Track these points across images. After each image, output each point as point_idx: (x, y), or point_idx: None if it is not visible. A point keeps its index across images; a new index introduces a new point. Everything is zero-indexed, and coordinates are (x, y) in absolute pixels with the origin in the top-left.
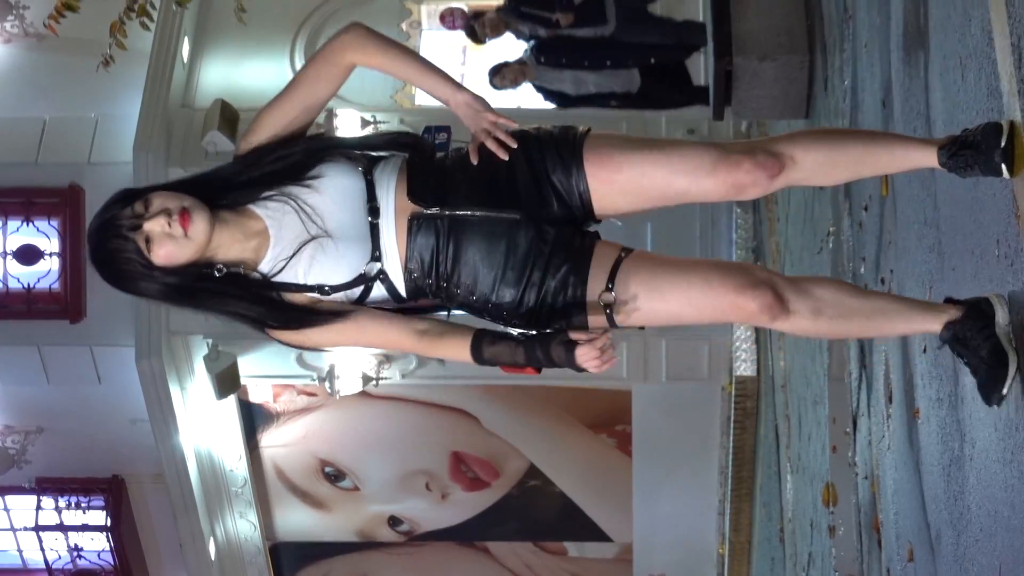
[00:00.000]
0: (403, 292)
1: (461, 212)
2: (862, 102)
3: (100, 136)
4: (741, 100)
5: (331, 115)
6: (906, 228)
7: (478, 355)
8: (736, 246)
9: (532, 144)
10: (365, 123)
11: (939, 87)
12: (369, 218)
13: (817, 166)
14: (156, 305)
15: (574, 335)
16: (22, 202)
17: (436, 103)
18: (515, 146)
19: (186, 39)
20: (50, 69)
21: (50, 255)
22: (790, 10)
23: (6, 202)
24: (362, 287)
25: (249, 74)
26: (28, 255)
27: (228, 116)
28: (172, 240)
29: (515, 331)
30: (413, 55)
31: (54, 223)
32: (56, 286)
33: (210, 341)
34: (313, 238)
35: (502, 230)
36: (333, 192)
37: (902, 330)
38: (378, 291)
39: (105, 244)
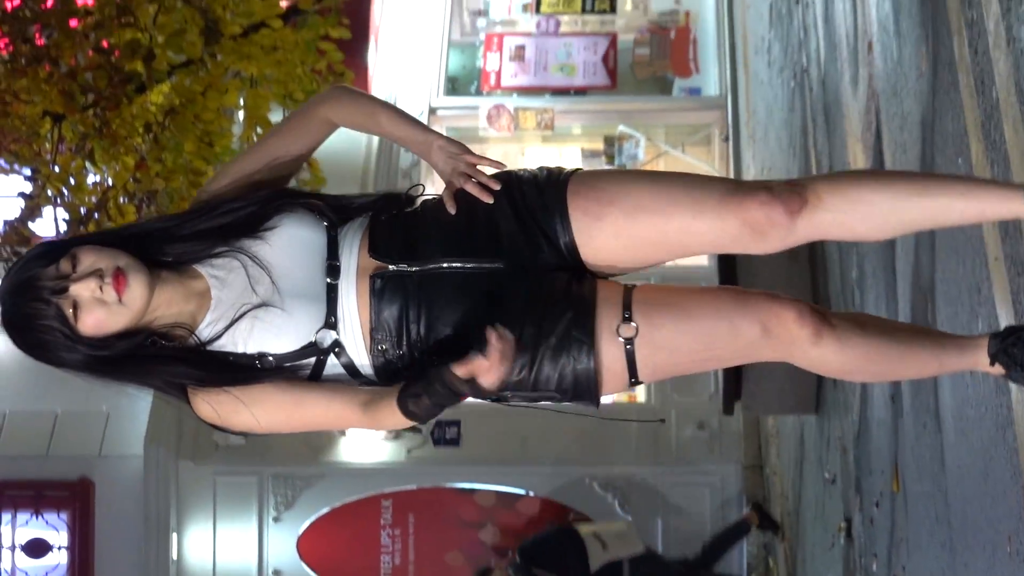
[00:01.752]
0: (366, 369)
1: (432, 265)
2: (871, 397)
3: (111, 429)
4: (751, 394)
5: None
6: (917, 524)
7: (412, 417)
8: (746, 541)
9: (514, 184)
10: None
11: (948, 382)
12: (327, 278)
13: (850, 206)
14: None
15: (478, 367)
16: (32, 495)
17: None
18: (498, 187)
19: None
20: None
21: (59, 548)
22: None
23: (16, 495)
24: (313, 359)
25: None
26: (37, 549)
27: None
28: (103, 307)
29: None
30: (388, 106)
31: (63, 516)
32: None
33: None
34: (258, 305)
35: (483, 283)
36: (287, 244)
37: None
38: (332, 367)
39: (22, 307)
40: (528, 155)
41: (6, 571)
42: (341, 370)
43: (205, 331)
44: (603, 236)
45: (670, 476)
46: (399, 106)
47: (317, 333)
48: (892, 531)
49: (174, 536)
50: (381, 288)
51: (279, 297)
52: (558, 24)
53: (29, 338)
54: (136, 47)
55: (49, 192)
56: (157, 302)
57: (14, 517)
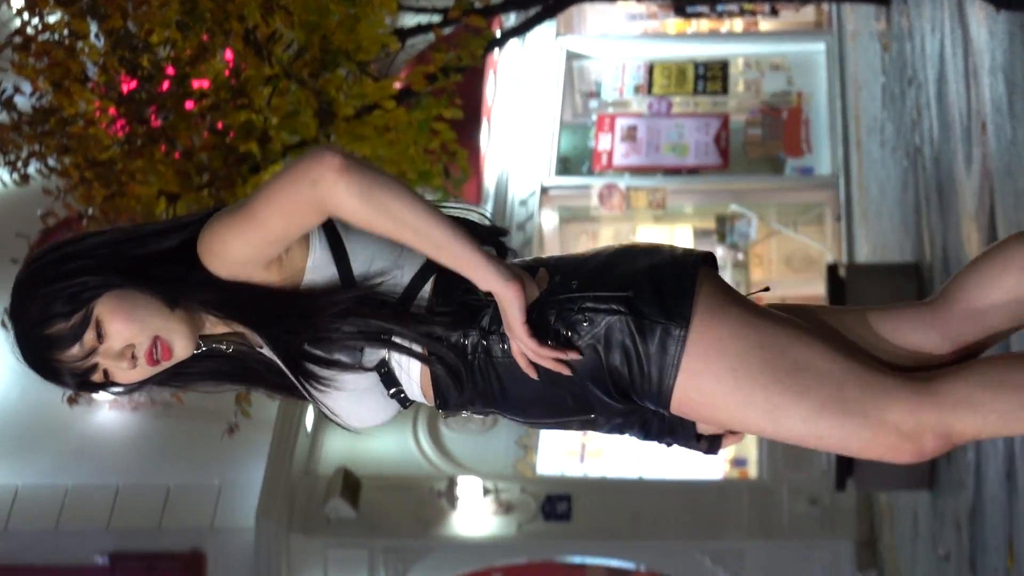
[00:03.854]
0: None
1: (510, 416)
2: (986, 475)
3: (223, 502)
4: (864, 471)
5: (452, 483)
6: None
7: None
8: None
9: (603, 365)
10: (487, 491)
11: None
12: (395, 403)
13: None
14: None
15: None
16: (144, 567)
17: (559, 471)
18: (568, 372)
19: (310, 407)
20: (176, 436)
21: None
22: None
23: (129, 567)
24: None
25: (372, 442)
26: None
27: (350, 484)
28: (138, 371)
29: None
30: (422, 214)
31: None
32: None
33: None
34: (325, 410)
35: (572, 424)
36: (348, 395)
37: None
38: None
39: (47, 376)
40: (639, 234)
41: None
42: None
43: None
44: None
45: (782, 551)
46: (509, 186)
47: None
48: None
49: None
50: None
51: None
52: (670, 105)
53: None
54: (251, 128)
55: None
56: (203, 321)
57: None
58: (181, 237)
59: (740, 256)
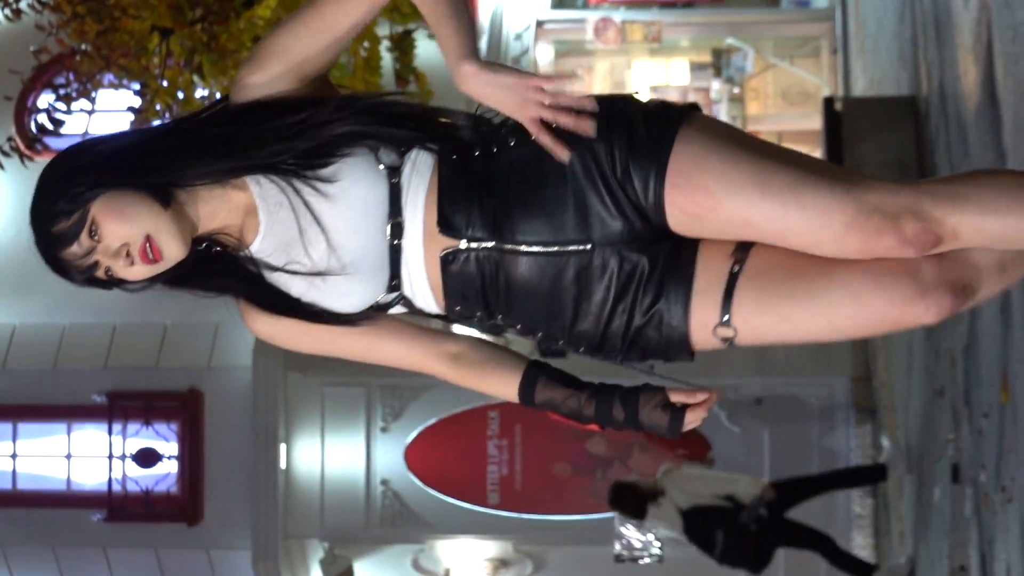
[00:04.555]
0: (434, 311)
1: (511, 246)
2: (980, 309)
3: (220, 341)
4: None
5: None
6: None
7: (528, 398)
8: (853, 453)
9: (601, 141)
10: None
11: None
12: (390, 238)
13: (987, 241)
14: (270, 506)
15: (677, 396)
16: (142, 406)
17: None
18: (591, 132)
19: None
20: None
21: (169, 458)
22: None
23: (126, 406)
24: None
25: None
26: (147, 458)
27: None
28: (137, 269)
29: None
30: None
31: (173, 427)
32: (174, 489)
33: (326, 545)
34: (311, 273)
35: (569, 265)
36: (345, 205)
37: None
38: (396, 309)
39: (59, 272)
40: (635, 68)
41: (117, 480)
42: (403, 309)
43: (258, 256)
44: (702, 231)
45: (777, 388)
46: (504, 20)
47: (382, 295)
48: (1000, 443)
49: (282, 447)
50: (454, 266)
51: (337, 263)
52: None
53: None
54: None
55: (157, 106)
56: (199, 214)
57: (124, 427)
58: (188, 123)
59: (736, 90)
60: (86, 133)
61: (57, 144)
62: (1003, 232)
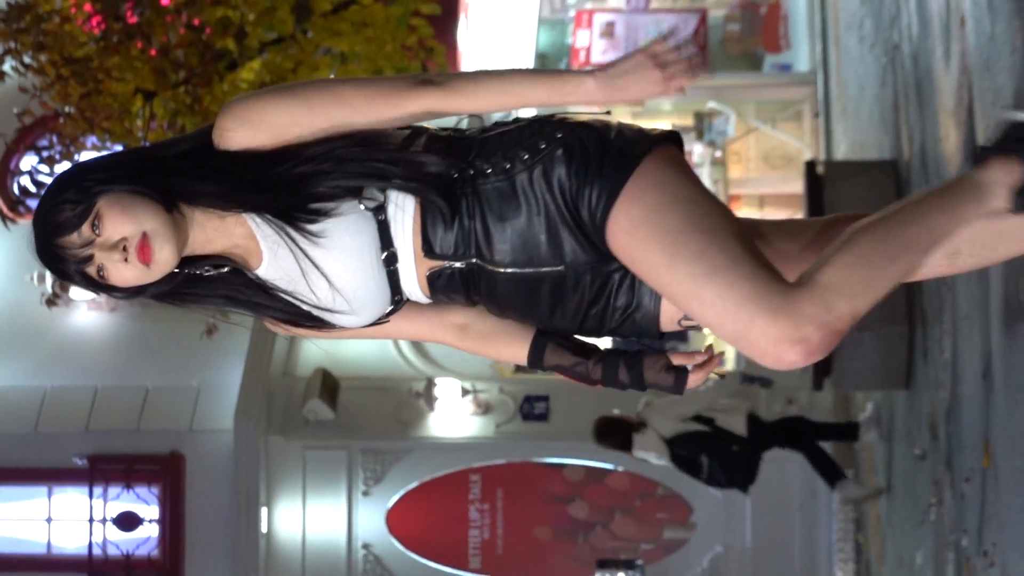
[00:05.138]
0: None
1: (491, 268)
2: (962, 374)
3: (201, 403)
4: (841, 371)
5: (430, 384)
6: (1008, 500)
7: (537, 361)
8: (835, 517)
9: (566, 171)
10: (465, 392)
11: None
12: (386, 266)
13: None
14: (251, 570)
15: (679, 358)
16: (123, 469)
17: (536, 376)
18: (704, 72)
19: None
20: (154, 337)
21: (150, 522)
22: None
23: (107, 469)
24: None
25: (350, 343)
26: (128, 522)
27: (329, 385)
28: (130, 270)
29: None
30: (500, 75)
31: (154, 490)
32: (155, 553)
33: None
34: (319, 308)
35: (544, 281)
36: (340, 253)
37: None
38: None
39: (54, 267)
40: None
41: (97, 544)
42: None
43: (265, 280)
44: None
45: None
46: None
47: (387, 310)
48: (982, 507)
49: (264, 510)
50: (440, 284)
51: (344, 304)
52: (648, 0)
53: (68, 283)
54: (227, 24)
55: None
56: (194, 245)
57: (105, 491)
58: (194, 142)
59: (718, 153)
60: None
61: None
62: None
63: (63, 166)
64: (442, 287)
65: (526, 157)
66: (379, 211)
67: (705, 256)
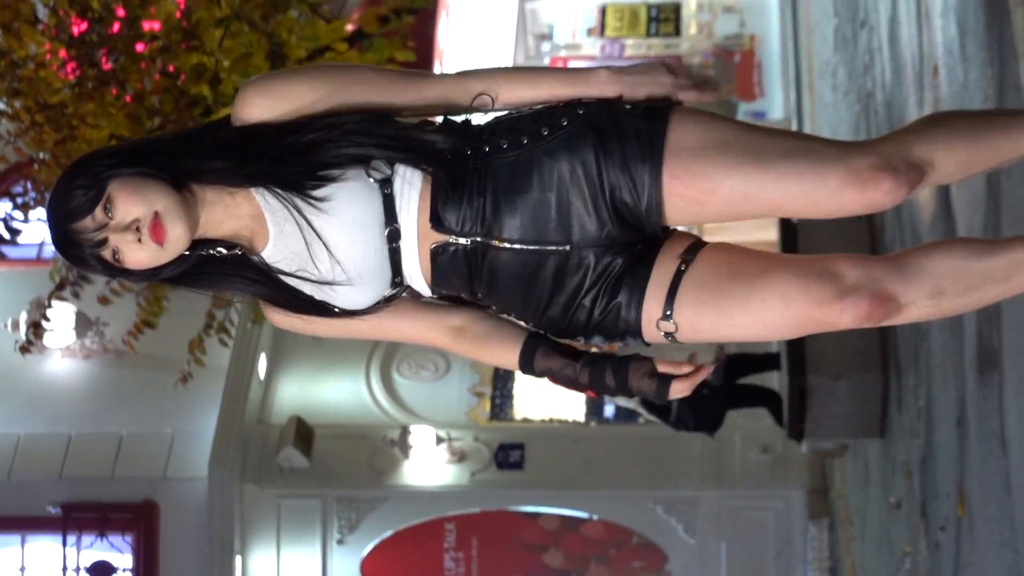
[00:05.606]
0: (426, 294)
1: (495, 241)
2: (936, 422)
3: (176, 451)
4: (816, 419)
5: (405, 432)
6: (983, 549)
7: (528, 367)
8: (811, 566)
9: (590, 146)
10: (440, 440)
11: (1014, 408)
12: (388, 242)
13: (957, 167)
14: None
15: (664, 367)
16: (96, 517)
17: (506, 423)
18: (717, 92)
19: (263, 356)
20: (128, 385)
21: (123, 571)
22: (864, 329)
23: (81, 517)
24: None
25: (325, 391)
26: (101, 571)
27: (303, 433)
28: (144, 251)
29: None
30: (518, 68)
31: (128, 539)
32: None
33: None
34: (319, 282)
35: (549, 262)
36: (344, 223)
37: None
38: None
39: (68, 253)
40: None
41: None
42: (406, 294)
43: (269, 261)
44: (702, 216)
45: (734, 500)
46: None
47: (387, 291)
48: (957, 556)
49: (238, 559)
50: (443, 260)
51: (343, 275)
52: (623, 47)
53: (85, 271)
54: (202, 71)
55: None
56: (208, 219)
57: (79, 539)
58: (201, 128)
59: None
60: (43, 243)
61: (14, 253)
62: (970, 154)
63: (38, 213)
64: (445, 266)
65: (546, 132)
66: (386, 184)
67: (776, 140)
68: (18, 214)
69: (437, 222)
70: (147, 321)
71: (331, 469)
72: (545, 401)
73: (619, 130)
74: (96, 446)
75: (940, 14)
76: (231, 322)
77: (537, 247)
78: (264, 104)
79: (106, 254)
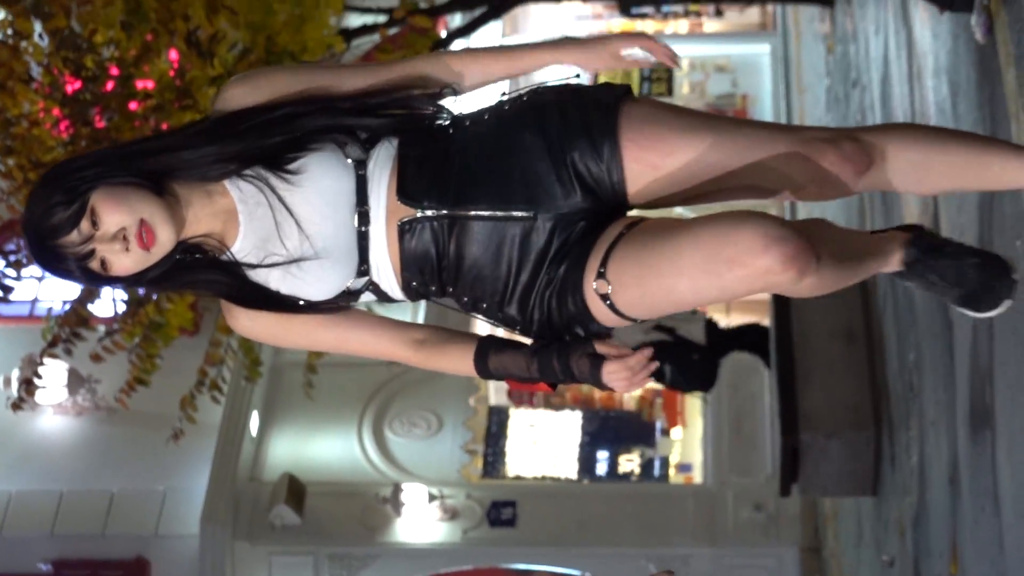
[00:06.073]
0: (398, 296)
1: (462, 212)
2: (929, 480)
3: (168, 508)
4: (808, 476)
5: (397, 489)
6: None
7: (483, 367)
8: None
9: (552, 116)
10: (432, 497)
11: (1007, 466)
12: (357, 226)
13: (911, 167)
14: None
15: (601, 347)
16: (88, 574)
17: (498, 481)
18: (678, 63)
19: (255, 413)
20: (120, 442)
21: None
22: (856, 388)
23: (72, 574)
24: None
25: (317, 448)
26: None
27: (295, 490)
28: (130, 257)
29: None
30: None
31: None
32: None
33: None
34: (287, 262)
35: (512, 232)
36: (315, 195)
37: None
38: (366, 297)
39: (53, 266)
40: None
41: None
42: (372, 297)
43: (238, 256)
44: (657, 184)
45: (726, 558)
46: None
47: (352, 281)
48: None
49: None
50: (411, 235)
51: (310, 250)
52: None
53: (68, 280)
54: None
55: None
56: (184, 218)
57: None
58: (173, 130)
59: None
60: (35, 300)
61: (6, 310)
62: (925, 157)
63: (30, 270)
64: (412, 246)
65: (507, 107)
66: (360, 166)
67: (728, 117)
68: (11, 271)
69: (404, 194)
70: (139, 378)
71: (323, 526)
72: (537, 458)
73: (579, 100)
74: (88, 503)
75: (932, 74)
76: (223, 379)
77: (503, 214)
78: (245, 90)
79: (94, 265)
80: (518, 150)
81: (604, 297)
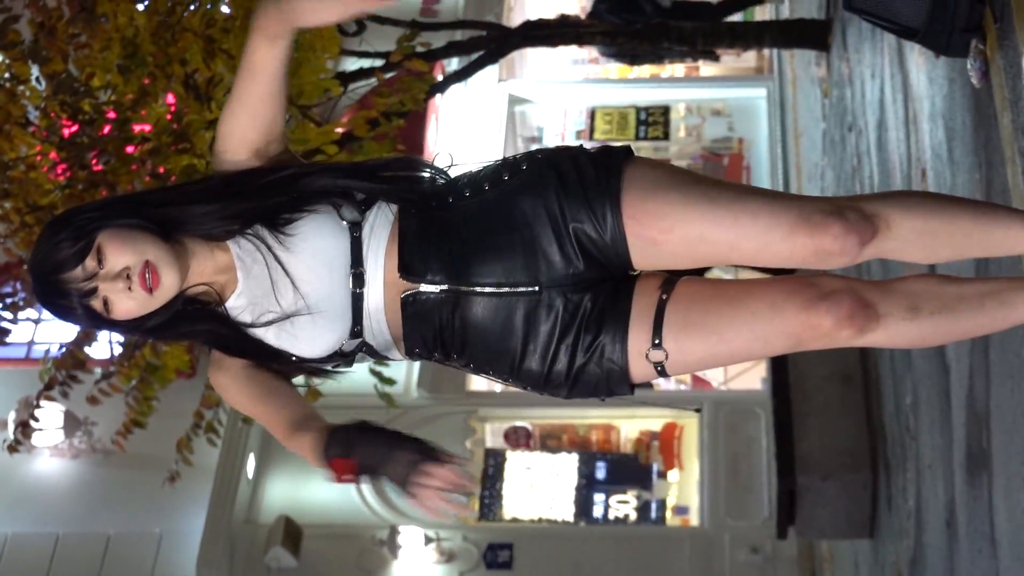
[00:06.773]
0: (396, 358)
1: (465, 287)
2: (926, 523)
3: (164, 551)
4: (805, 519)
5: (394, 531)
6: None
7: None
8: None
9: (554, 186)
10: (429, 540)
11: (1003, 508)
12: (352, 287)
13: (915, 236)
14: None
15: (426, 467)
16: None
17: (495, 523)
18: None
19: (251, 455)
20: (116, 484)
21: None
22: (853, 430)
23: None
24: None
25: (313, 491)
26: None
27: (292, 532)
28: (133, 300)
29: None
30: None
31: None
32: None
33: None
34: (282, 318)
35: (519, 307)
36: (310, 256)
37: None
38: (361, 358)
39: (55, 304)
40: None
41: None
42: (369, 358)
43: (232, 312)
44: (660, 258)
45: None
46: None
47: (345, 342)
48: None
49: None
50: (413, 310)
51: (305, 308)
52: None
53: (69, 322)
54: (192, 172)
55: None
56: (188, 267)
57: None
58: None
59: None
60: (32, 342)
61: (3, 353)
62: (928, 224)
63: (27, 313)
64: (416, 317)
65: (507, 177)
66: (355, 228)
67: (731, 185)
68: (7, 314)
69: (405, 269)
70: (136, 421)
71: (319, 569)
72: (534, 501)
73: (578, 169)
74: (84, 546)
75: (928, 119)
76: (219, 422)
77: (507, 290)
78: (222, 149)
79: (96, 304)
80: (520, 223)
81: (658, 365)
